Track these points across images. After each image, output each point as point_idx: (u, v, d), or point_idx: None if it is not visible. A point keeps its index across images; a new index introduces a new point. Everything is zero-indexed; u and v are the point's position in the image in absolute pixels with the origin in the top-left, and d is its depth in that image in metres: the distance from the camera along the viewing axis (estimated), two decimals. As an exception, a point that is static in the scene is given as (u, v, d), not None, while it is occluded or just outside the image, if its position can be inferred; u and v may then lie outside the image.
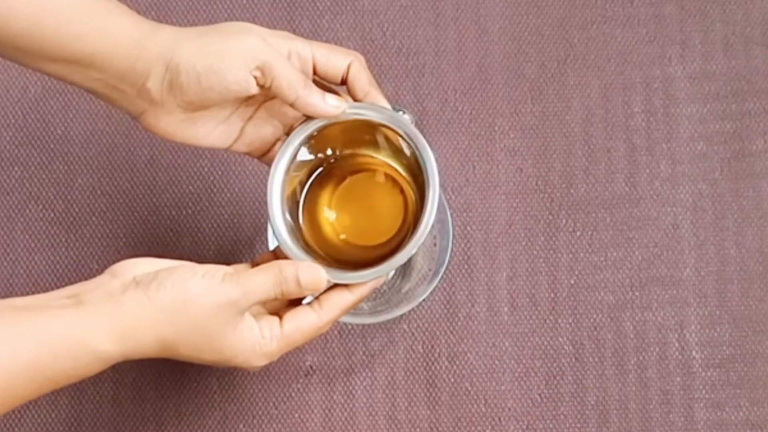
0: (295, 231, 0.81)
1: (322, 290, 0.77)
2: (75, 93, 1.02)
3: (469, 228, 1.00)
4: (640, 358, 0.98)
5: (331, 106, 0.79)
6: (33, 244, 1.00)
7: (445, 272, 0.92)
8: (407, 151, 0.81)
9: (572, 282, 0.99)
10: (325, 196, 0.84)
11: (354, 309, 0.97)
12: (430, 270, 0.94)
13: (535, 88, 1.03)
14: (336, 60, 0.80)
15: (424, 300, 0.93)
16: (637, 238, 1.00)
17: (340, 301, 0.77)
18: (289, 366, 0.98)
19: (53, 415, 0.97)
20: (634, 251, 1.00)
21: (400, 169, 0.83)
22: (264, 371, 0.98)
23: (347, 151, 0.83)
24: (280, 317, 0.76)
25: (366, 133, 0.81)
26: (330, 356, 0.98)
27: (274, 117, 0.82)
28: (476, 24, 1.03)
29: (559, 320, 0.99)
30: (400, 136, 0.79)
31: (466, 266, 0.99)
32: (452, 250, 0.93)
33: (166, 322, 0.72)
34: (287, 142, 0.80)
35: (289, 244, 0.78)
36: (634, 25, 1.03)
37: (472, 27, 1.03)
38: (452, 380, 0.98)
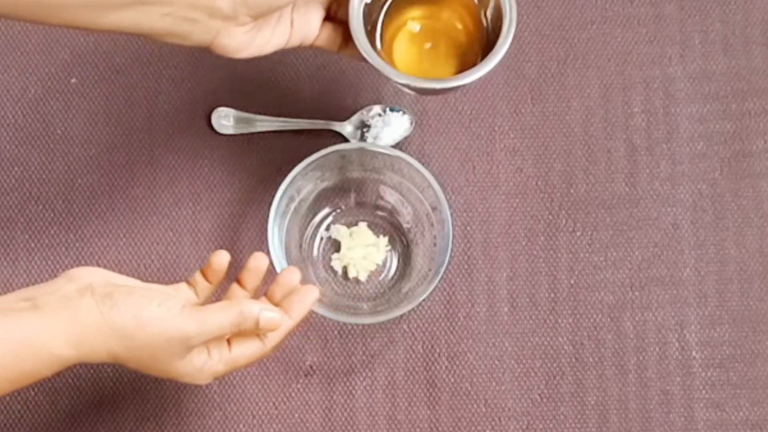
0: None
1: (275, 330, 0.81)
2: (75, 93, 1.02)
3: (469, 228, 1.00)
4: (640, 358, 0.98)
5: None
6: (33, 244, 1.00)
7: (445, 272, 0.92)
8: None
9: (572, 282, 0.99)
10: (401, 21, 0.91)
11: (354, 309, 0.97)
12: (430, 270, 0.94)
13: (535, 88, 1.03)
14: None
15: (424, 300, 0.93)
16: (637, 238, 1.00)
17: (283, 329, 0.81)
18: (289, 366, 0.98)
19: (53, 415, 0.97)
20: (634, 251, 1.00)
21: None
22: (264, 371, 0.98)
23: None
24: (228, 341, 0.80)
25: None
26: (330, 356, 0.98)
27: None
28: (476, 24, 1.03)
29: (559, 320, 0.99)
30: None
31: (466, 266, 0.99)
32: (452, 250, 0.93)
33: (118, 340, 0.75)
34: None
35: (370, 51, 0.86)
36: (634, 25, 1.03)
37: (472, 27, 1.03)
38: (452, 380, 0.98)
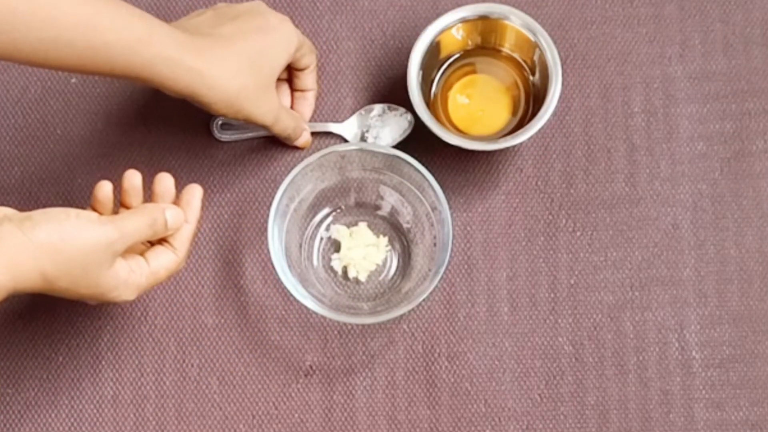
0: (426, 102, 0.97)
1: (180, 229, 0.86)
2: (75, 93, 1.02)
3: (469, 228, 1.00)
4: (640, 358, 0.98)
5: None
6: (33, 244, 1.00)
7: (445, 272, 0.92)
8: (532, 48, 0.98)
9: (572, 282, 0.99)
10: (455, 82, 1.01)
11: (354, 309, 0.97)
12: (430, 270, 0.94)
13: (535, 88, 1.03)
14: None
15: (424, 300, 0.93)
16: (637, 238, 1.00)
17: (186, 234, 0.86)
18: (289, 366, 0.98)
19: (53, 415, 0.97)
20: (634, 251, 1.00)
21: (522, 62, 0.99)
22: (264, 371, 0.98)
23: (480, 42, 1.00)
24: (144, 257, 0.85)
25: (500, 29, 0.99)
26: (330, 356, 0.98)
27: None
28: (476, 24, 1.03)
29: (559, 320, 0.99)
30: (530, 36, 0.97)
31: (466, 266, 0.99)
32: (452, 250, 0.93)
33: (46, 257, 0.77)
34: (429, 27, 0.97)
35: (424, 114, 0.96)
36: (634, 25, 1.03)
37: (472, 27, 1.03)
38: (452, 380, 0.98)
